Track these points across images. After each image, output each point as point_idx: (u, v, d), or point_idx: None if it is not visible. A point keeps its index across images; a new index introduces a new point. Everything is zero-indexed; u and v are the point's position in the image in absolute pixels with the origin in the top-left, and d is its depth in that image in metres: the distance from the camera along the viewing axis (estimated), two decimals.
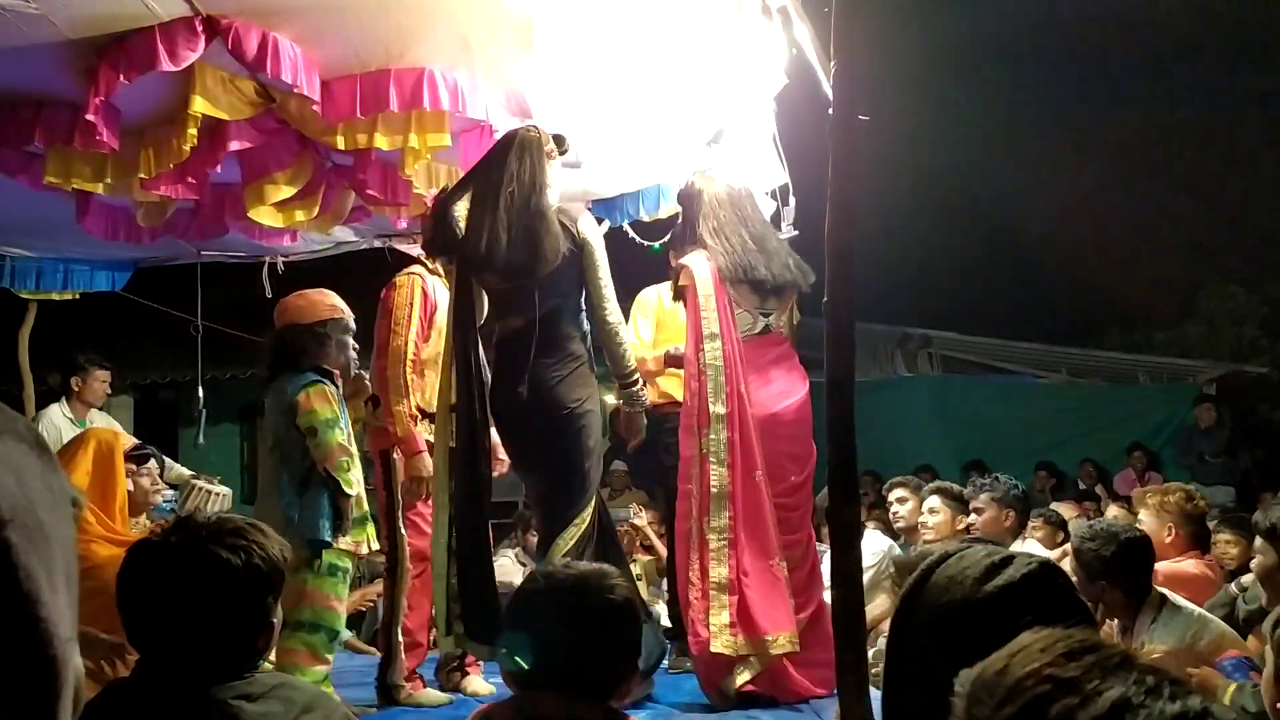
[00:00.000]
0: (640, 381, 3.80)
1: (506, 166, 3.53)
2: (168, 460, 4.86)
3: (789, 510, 3.97)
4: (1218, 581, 3.90)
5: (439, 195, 3.84)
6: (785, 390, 4.05)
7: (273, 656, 3.17)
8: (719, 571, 3.76)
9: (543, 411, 3.60)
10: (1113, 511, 4.98)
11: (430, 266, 4.18)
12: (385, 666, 4.06)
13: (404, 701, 3.98)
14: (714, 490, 3.80)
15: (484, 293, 3.75)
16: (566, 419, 3.59)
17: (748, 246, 3.97)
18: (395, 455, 4.09)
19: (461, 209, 3.62)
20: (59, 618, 0.58)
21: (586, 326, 3.72)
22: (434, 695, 4.04)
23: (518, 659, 1.74)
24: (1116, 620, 3.12)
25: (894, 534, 5.60)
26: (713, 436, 3.81)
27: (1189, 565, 3.70)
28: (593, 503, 3.67)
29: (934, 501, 4.54)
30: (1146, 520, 3.74)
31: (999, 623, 0.97)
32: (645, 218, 4.95)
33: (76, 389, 5.36)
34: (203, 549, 1.62)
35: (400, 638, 4.04)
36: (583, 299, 3.69)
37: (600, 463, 3.81)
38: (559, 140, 3.67)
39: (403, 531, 4.07)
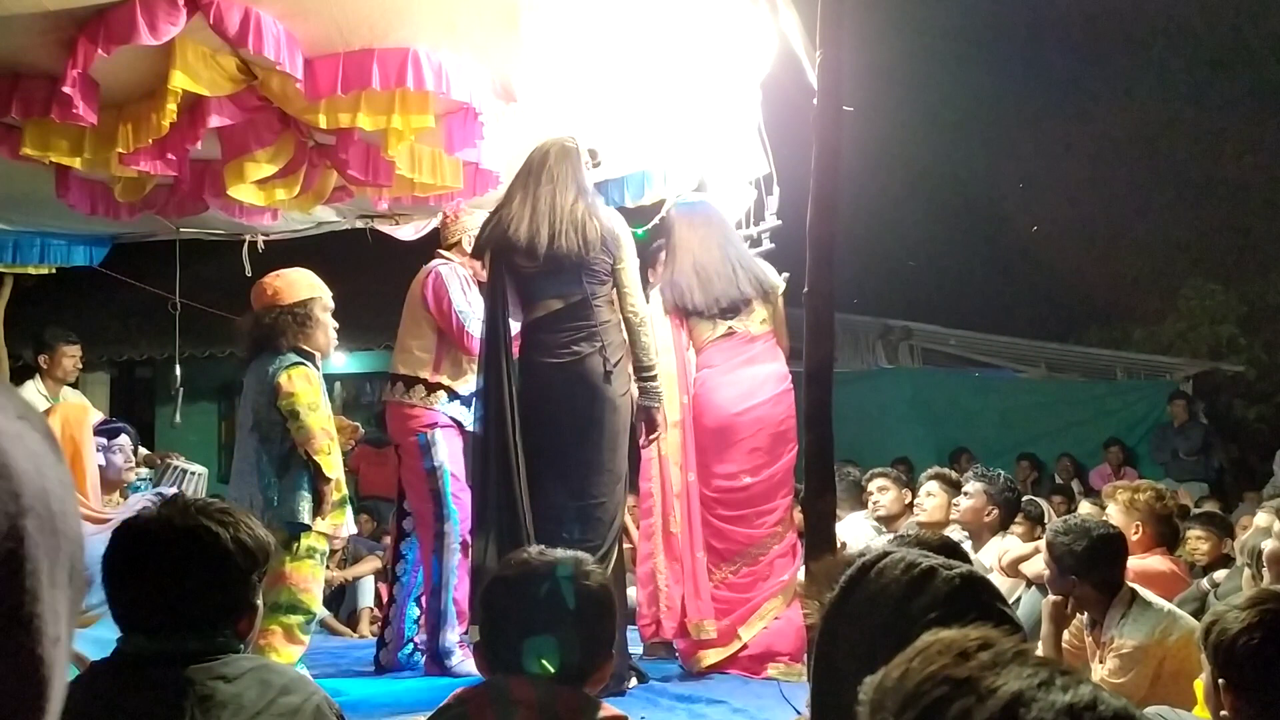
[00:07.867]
0: (658, 376, 3.86)
1: (546, 169, 3.75)
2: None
3: (745, 506, 4.22)
4: (1185, 579, 3.93)
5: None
6: (749, 392, 4.25)
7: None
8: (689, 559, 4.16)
9: (584, 396, 3.65)
10: (1085, 508, 5.01)
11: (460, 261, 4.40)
12: (434, 635, 4.15)
13: (454, 668, 4.06)
14: (676, 490, 4.18)
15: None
16: (608, 405, 3.66)
17: (689, 282, 4.31)
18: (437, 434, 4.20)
19: (506, 210, 3.76)
20: (51, 617, 0.56)
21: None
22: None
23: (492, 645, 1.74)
24: (1086, 614, 3.14)
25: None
26: (670, 440, 4.15)
27: (1155, 561, 3.73)
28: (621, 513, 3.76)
29: (931, 486, 4.57)
30: (1115, 515, 3.75)
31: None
32: (630, 204, 4.94)
33: (45, 366, 5.26)
34: (192, 521, 1.65)
35: (452, 607, 4.13)
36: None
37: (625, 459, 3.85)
38: (593, 153, 3.94)
39: (453, 508, 4.14)
